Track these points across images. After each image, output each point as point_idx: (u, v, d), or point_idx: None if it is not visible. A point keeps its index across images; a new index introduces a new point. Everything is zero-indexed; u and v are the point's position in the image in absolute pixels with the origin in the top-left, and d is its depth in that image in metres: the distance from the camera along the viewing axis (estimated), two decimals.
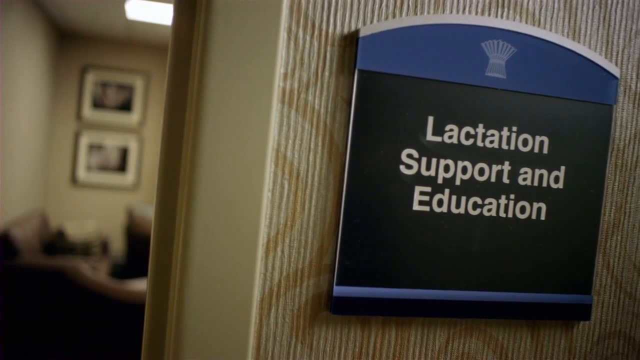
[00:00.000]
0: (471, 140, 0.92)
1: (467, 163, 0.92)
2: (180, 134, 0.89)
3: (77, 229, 5.89)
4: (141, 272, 6.75)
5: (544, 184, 0.96)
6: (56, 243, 5.77)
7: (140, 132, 8.06)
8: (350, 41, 0.88)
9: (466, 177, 0.92)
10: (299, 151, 0.86)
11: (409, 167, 0.90)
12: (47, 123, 7.39)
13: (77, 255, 5.87)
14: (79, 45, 7.81)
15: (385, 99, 0.88)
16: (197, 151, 0.81)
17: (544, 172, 0.96)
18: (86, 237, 5.89)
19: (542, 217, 0.96)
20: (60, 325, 4.90)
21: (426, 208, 0.91)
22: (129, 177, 8.05)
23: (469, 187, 0.93)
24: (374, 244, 0.88)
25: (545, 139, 0.96)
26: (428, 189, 0.91)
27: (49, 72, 7.11)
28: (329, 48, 0.87)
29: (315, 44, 0.86)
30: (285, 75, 0.85)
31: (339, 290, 0.87)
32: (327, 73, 0.87)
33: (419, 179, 0.90)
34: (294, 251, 0.86)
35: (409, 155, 0.89)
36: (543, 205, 0.96)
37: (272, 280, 0.85)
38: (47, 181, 7.74)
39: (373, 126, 0.87)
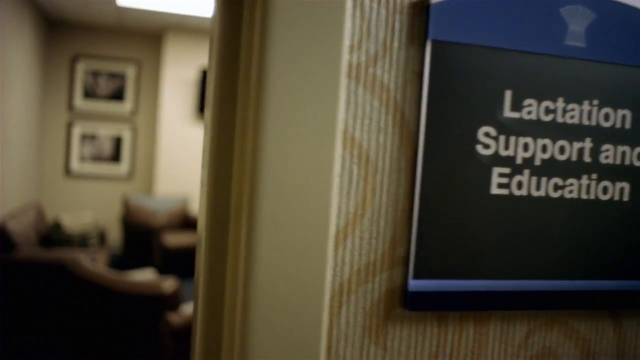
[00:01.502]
0: (551, 116, 0.83)
1: (547, 141, 0.83)
2: (229, 122, 0.80)
3: (74, 221, 5.77)
4: (139, 262, 6.64)
5: (627, 162, 0.88)
6: (53, 235, 5.65)
7: (133, 121, 7.92)
8: (420, 9, 0.78)
9: (546, 156, 0.83)
10: (368, 132, 0.76)
11: (487, 146, 0.80)
12: (39, 114, 7.24)
13: (75, 247, 5.75)
14: (69, 35, 7.64)
15: (459, 72, 0.78)
16: (260, 137, 0.71)
17: (627, 148, 0.87)
18: (83, 229, 5.77)
19: (625, 198, 0.88)
20: (61, 318, 4.80)
21: (505, 191, 0.82)
22: (123, 166, 7.92)
23: (550, 167, 0.84)
24: (452, 232, 0.79)
25: (628, 113, 0.87)
26: (507, 170, 0.81)
27: (38, 63, 6.95)
28: (397, 17, 0.77)
29: (383, 12, 0.76)
30: (351, 47, 0.76)
31: (415, 284, 0.78)
32: (395, 44, 0.77)
33: (497, 159, 0.81)
34: (365, 242, 0.77)
35: (486, 134, 0.80)
36: (626, 185, 0.88)
37: (342, 275, 0.76)
38: (41, 173, 7.59)
39: (447, 102, 0.78)
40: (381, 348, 0.78)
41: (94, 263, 4.48)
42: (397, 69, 0.77)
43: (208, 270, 0.81)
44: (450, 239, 0.79)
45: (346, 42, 0.74)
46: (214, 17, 0.83)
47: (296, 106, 0.71)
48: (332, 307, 0.76)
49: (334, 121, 0.72)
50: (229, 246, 0.79)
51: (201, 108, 7.39)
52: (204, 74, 7.35)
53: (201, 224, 0.83)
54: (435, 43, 0.77)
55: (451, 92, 0.78)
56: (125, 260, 6.93)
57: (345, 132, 0.75)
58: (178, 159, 7.53)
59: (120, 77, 7.82)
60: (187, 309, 3.77)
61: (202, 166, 0.85)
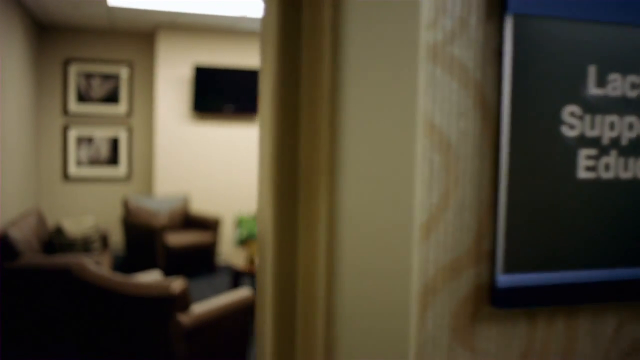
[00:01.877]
0: (636, 92, 0.77)
1: (633, 119, 0.77)
2: (292, 120, 0.73)
3: (75, 226, 5.69)
4: (142, 263, 6.56)
5: None
6: (55, 241, 5.57)
7: (128, 122, 7.82)
8: None
9: (633, 134, 0.77)
10: (447, 116, 0.69)
11: (572, 127, 0.74)
12: (34, 120, 7.13)
13: (78, 252, 5.66)
14: (60, 38, 7.52)
15: (541, 47, 0.72)
16: (336, 131, 0.64)
17: None
18: (85, 233, 5.69)
19: None
20: (69, 323, 4.72)
21: (592, 175, 0.75)
22: (121, 168, 7.83)
23: (637, 147, 0.77)
24: (540, 222, 0.73)
25: None
26: (593, 152, 0.75)
27: (31, 68, 6.84)
28: None
29: None
30: (426, 25, 0.69)
31: (504, 279, 0.71)
32: (473, 20, 0.70)
33: (583, 140, 0.74)
34: (450, 237, 0.70)
35: (571, 113, 0.74)
36: None
37: (427, 274, 0.70)
38: (39, 179, 7.49)
39: (530, 81, 0.71)
40: (469, 349, 0.72)
41: (99, 267, 4.41)
42: (476, 47, 0.70)
43: (276, 273, 0.74)
44: (539, 228, 0.73)
45: (423, 19, 0.67)
46: (266, 17, 0.76)
47: (373, 92, 0.64)
48: (418, 309, 0.69)
49: (414, 107, 0.66)
50: (301, 247, 0.73)
51: (196, 106, 7.30)
52: (198, 71, 7.26)
53: (265, 227, 0.77)
54: (515, 17, 0.70)
55: (533, 70, 0.71)
56: (128, 262, 6.85)
57: (424, 118, 0.69)
58: (176, 158, 7.45)
59: (113, 79, 7.72)
60: (197, 309, 3.71)
61: (260, 165, 0.78)
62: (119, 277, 3.74)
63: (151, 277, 4.37)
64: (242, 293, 4.03)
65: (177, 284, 3.56)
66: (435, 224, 0.69)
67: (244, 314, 4.02)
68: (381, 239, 0.65)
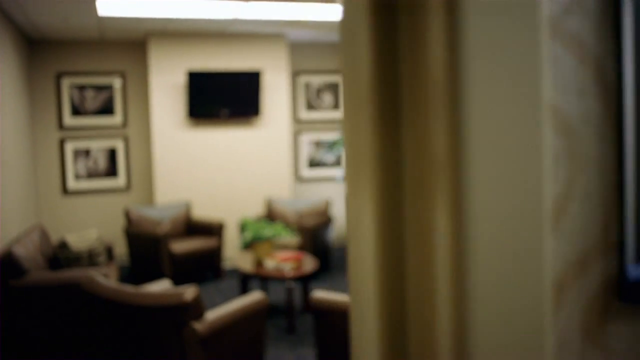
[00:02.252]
0: None
1: None
2: (393, 115, 0.66)
3: (79, 240, 5.60)
4: (148, 272, 6.48)
5: None
6: (60, 256, 5.48)
7: (125, 133, 7.72)
8: None
9: None
10: (568, 97, 0.63)
11: None
12: (30, 135, 7.02)
13: (84, 266, 5.57)
14: (51, 52, 7.41)
15: None
16: (456, 123, 0.58)
17: None
18: (90, 246, 5.60)
19: None
20: (82, 338, 4.63)
21: None
22: (120, 179, 7.73)
23: None
24: None
25: None
26: None
27: (24, 83, 6.74)
28: None
29: None
30: None
31: (634, 271, 0.65)
32: None
33: None
34: (576, 229, 0.64)
35: None
36: None
37: (556, 271, 0.63)
38: (38, 194, 7.38)
39: None
40: (601, 349, 0.65)
41: (108, 279, 4.32)
42: (593, 19, 0.64)
43: (381, 281, 0.67)
44: None
45: None
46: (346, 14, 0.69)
47: (494, 75, 0.58)
48: (551, 309, 0.63)
49: (538, 88, 0.59)
50: (410, 249, 0.66)
51: (191, 112, 7.21)
52: (191, 77, 7.16)
53: (361, 231, 0.70)
54: None
55: None
56: (134, 273, 6.77)
57: (546, 100, 0.62)
58: (175, 165, 7.37)
59: (107, 90, 7.61)
60: (211, 315, 3.63)
61: (347, 167, 0.71)
62: (130, 289, 3.66)
63: (161, 287, 4.29)
64: (255, 296, 3.96)
65: (190, 292, 3.48)
66: (561, 216, 0.63)
67: (258, 317, 3.95)
68: (510, 236, 0.59)
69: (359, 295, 0.73)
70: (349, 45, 0.70)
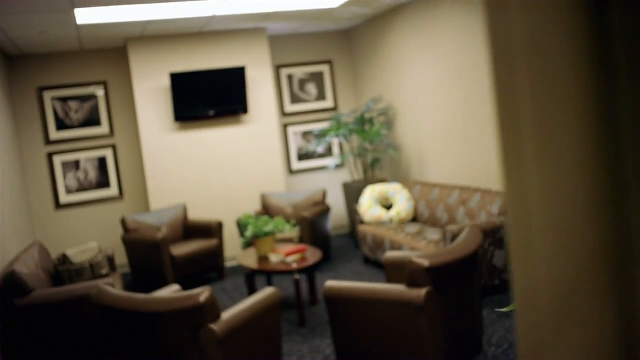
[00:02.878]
0: None
1: None
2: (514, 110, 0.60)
3: (80, 254, 5.49)
4: (150, 279, 6.39)
5: None
6: (61, 270, 5.38)
7: (112, 142, 7.60)
8: None
9: None
10: None
11: None
12: (17, 152, 6.88)
13: (88, 279, 5.48)
14: (31, 66, 7.27)
15: None
16: None
17: None
18: (91, 258, 5.50)
19: None
20: (95, 350, 4.55)
21: None
22: (113, 188, 7.61)
23: None
24: None
25: None
26: None
27: (4, 100, 6.60)
28: None
29: None
30: None
31: None
32: None
33: None
34: None
35: None
36: None
37: None
38: (31, 211, 7.25)
39: None
40: None
41: (116, 289, 4.24)
42: None
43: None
44: None
45: None
46: None
47: None
48: None
49: None
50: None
51: (177, 114, 7.08)
52: (174, 78, 7.04)
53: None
54: None
55: None
56: (136, 280, 6.67)
57: None
58: (166, 169, 7.26)
59: (91, 100, 7.49)
60: (226, 315, 3.56)
61: (505, 160, 0.64)
62: (141, 296, 3.58)
63: (171, 292, 4.21)
64: (267, 292, 3.90)
65: (204, 293, 3.41)
66: None
67: (272, 312, 3.89)
68: None
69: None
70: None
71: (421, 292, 3.53)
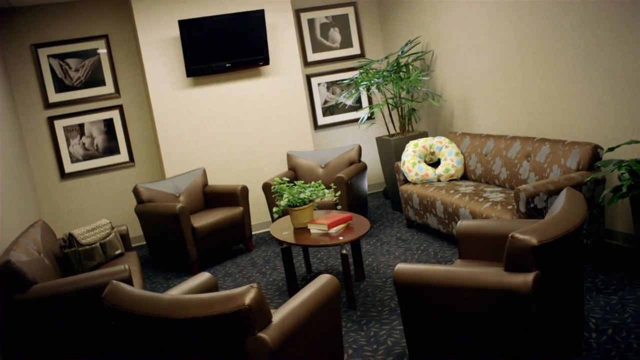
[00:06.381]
0: None
1: None
2: None
3: (89, 233, 4.60)
4: (168, 254, 5.49)
5: None
6: (69, 253, 4.49)
7: (118, 103, 6.60)
8: None
9: None
10: None
11: None
12: (14, 119, 5.89)
13: (99, 262, 4.59)
14: (22, 21, 6.23)
15: None
16: None
17: None
18: (101, 238, 4.60)
19: None
20: (111, 347, 3.67)
21: None
22: (122, 156, 6.66)
23: None
24: None
25: None
26: None
27: None
28: None
29: None
30: None
31: None
32: None
33: None
34: None
35: None
36: None
37: None
38: (34, 182, 6.31)
39: None
40: None
41: (134, 287, 3.28)
42: None
43: None
44: None
45: None
46: None
47: None
48: None
49: None
50: None
51: (189, 67, 6.06)
52: (183, 26, 6.00)
53: None
54: None
55: None
56: (153, 256, 5.76)
57: None
58: (181, 131, 6.27)
59: (92, 57, 6.47)
60: (277, 316, 2.64)
61: None
62: (167, 297, 2.63)
63: (200, 282, 3.28)
64: (323, 280, 2.99)
65: (249, 293, 2.46)
66: None
67: (331, 305, 2.98)
68: None
69: None
70: None
71: (528, 278, 2.62)
